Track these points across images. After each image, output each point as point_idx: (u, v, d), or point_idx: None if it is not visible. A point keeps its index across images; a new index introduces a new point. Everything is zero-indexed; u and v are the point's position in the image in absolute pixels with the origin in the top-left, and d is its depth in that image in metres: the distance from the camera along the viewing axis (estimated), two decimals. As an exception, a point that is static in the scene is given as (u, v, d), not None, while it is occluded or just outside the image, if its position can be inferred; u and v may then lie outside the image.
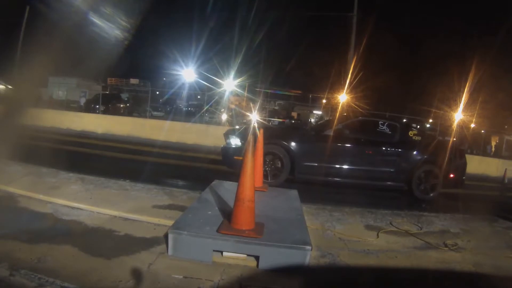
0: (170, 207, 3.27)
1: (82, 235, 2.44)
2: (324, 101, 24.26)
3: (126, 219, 2.84)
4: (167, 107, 22.72)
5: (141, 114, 16.11)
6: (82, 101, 18.41)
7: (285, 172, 4.98)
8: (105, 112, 15.43)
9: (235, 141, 5.18)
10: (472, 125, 17.18)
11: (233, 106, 22.42)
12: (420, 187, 5.36)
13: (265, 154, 4.64)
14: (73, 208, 2.95)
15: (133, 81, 33.76)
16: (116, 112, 16.96)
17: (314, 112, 29.21)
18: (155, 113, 18.34)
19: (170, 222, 2.54)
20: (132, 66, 30.18)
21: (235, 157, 4.99)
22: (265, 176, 4.75)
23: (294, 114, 28.54)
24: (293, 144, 5.04)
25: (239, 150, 5.02)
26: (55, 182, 3.71)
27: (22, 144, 4.33)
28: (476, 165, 11.29)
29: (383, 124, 5.48)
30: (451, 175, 5.42)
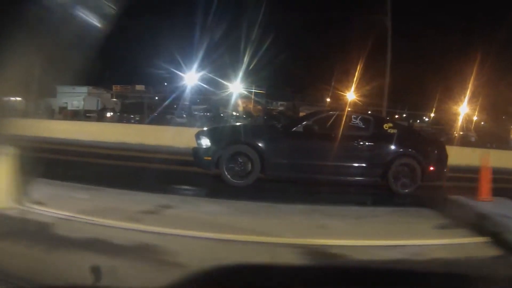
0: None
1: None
2: (328, 99, 24.10)
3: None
4: (186, 113, 21.95)
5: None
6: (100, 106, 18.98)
7: (256, 171, 4.80)
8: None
9: (205, 142, 4.95)
10: (481, 122, 17.16)
11: (275, 113, 22.44)
12: (397, 181, 5.14)
13: (234, 153, 4.73)
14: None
15: (139, 87, 33.38)
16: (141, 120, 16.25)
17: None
18: (179, 119, 17.88)
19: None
20: (137, 73, 30.36)
21: (205, 158, 4.84)
22: (235, 176, 4.72)
23: (302, 114, 28.33)
24: (261, 142, 4.88)
25: (208, 151, 4.85)
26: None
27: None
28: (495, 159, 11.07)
29: (356, 118, 5.28)
30: (431, 168, 5.22)
